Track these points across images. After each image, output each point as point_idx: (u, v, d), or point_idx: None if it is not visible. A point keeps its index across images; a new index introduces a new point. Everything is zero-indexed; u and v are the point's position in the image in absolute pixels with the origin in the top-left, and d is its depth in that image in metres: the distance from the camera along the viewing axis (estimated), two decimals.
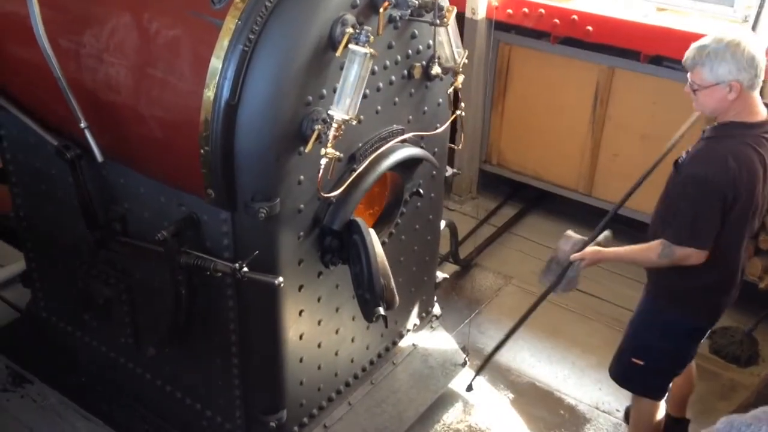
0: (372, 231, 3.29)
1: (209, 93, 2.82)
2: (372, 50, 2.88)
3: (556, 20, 5.33)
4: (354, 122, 2.93)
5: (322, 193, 3.03)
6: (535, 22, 5.43)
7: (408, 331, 4.31)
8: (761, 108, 3.26)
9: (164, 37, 2.97)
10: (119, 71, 3.07)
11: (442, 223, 5.03)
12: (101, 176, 3.45)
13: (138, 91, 3.05)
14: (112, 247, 3.41)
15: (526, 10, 5.42)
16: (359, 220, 3.27)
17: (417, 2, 3.11)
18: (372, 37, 2.89)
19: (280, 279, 2.97)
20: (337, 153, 2.92)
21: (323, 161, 2.92)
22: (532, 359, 4.80)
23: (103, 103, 3.16)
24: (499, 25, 5.70)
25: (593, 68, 5.47)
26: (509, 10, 5.50)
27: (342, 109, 2.90)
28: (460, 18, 5.65)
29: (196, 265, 3.09)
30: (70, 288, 3.94)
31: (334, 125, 2.90)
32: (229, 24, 2.80)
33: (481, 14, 5.59)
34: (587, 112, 5.62)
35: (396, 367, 4.22)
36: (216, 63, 2.81)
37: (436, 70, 3.29)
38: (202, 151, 2.90)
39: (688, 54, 3.20)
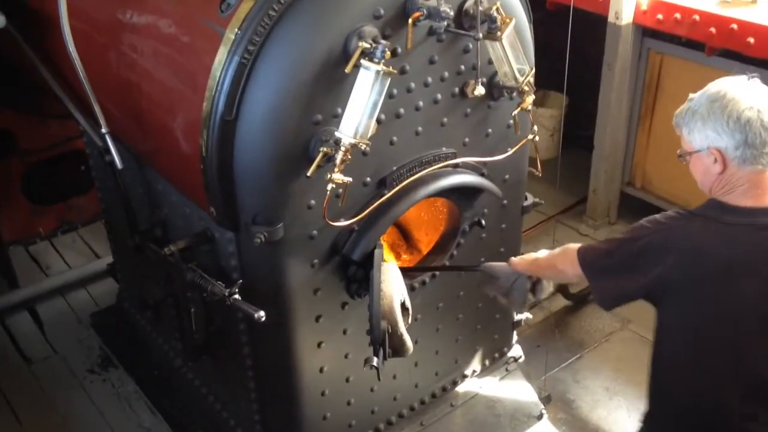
0: (390, 267, 2.96)
1: (207, 106, 2.65)
2: (386, 68, 2.54)
3: (712, 29, 4.53)
4: (363, 147, 2.62)
5: (328, 221, 2.75)
6: (687, 30, 4.66)
7: (474, 372, 3.89)
8: None
9: (177, 45, 2.85)
10: (142, 77, 3.00)
11: (544, 253, 4.54)
12: (146, 181, 3.43)
13: (155, 98, 2.97)
14: (147, 252, 3.38)
15: (678, 15, 4.66)
16: (378, 252, 2.94)
17: (452, 13, 2.70)
18: (388, 53, 2.55)
19: (261, 313, 2.74)
20: (346, 179, 2.61)
21: (329, 187, 2.63)
22: (628, 419, 4.15)
23: (131, 110, 3.11)
24: (647, 32, 5.01)
25: None
26: (659, 16, 4.78)
27: (349, 132, 2.59)
28: (602, 22, 5.05)
29: (198, 284, 2.95)
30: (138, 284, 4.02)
31: (342, 149, 2.60)
32: (229, 34, 2.60)
33: (626, 19, 4.91)
34: None
35: (454, 410, 3.83)
36: (214, 75, 2.62)
37: (478, 90, 2.85)
38: (201, 166, 2.75)
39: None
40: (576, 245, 2.71)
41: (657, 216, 2.47)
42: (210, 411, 3.80)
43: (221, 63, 2.59)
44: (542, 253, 2.95)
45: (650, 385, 2.64)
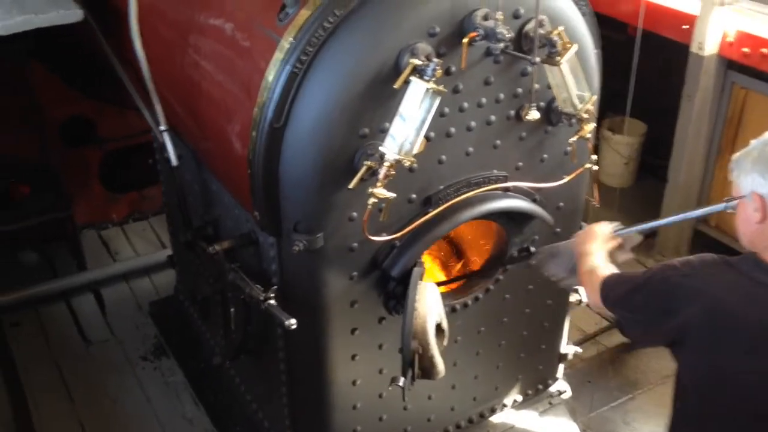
0: (428, 286, 2.92)
1: (257, 112, 2.69)
2: (436, 86, 2.52)
3: None
4: (408, 163, 2.59)
5: (367, 235, 2.73)
6: None
7: (514, 401, 3.80)
8: None
9: (236, 49, 2.90)
10: (202, 78, 3.07)
11: (594, 261, 4.39)
12: (202, 179, 3.50)
13: (212, 99, 3.03)
14: (196, 249, 3.45)
15: (765, 51, 4.46)
16: (416, 270, 2.91)
17: (510, 35, 2.65)
18: (440, 71, 2.53)
19: (292, 321, 2.75)
20: (388, 194, 2.60)
21: (370, 201, 2.63)
22: None
23: (191, 108, 3.19)
24: (732, 65, 4.80)
25: None
26: (745, 49, 4.57)
27: (394, 148, 2.57)
28: (684, 51, 4.87)
29: (238, 284, 2.99)
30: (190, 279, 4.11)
31: (386, 164, 2.59)
32: (284, 42, 2.62)
33: (709, 50, 4.72)
34: None
35: None
36: (266, 82, 2.66)
37: (532, 114, 2.79)
38: (248, 170, 2.79)
39: None
40: (604, 272, 2.60)
41: (691, 258, 2.33)
42: (248, 410, 3.85)
43: (274, 70, 2.63)
44: (593, 260, 2.76)
45: None
